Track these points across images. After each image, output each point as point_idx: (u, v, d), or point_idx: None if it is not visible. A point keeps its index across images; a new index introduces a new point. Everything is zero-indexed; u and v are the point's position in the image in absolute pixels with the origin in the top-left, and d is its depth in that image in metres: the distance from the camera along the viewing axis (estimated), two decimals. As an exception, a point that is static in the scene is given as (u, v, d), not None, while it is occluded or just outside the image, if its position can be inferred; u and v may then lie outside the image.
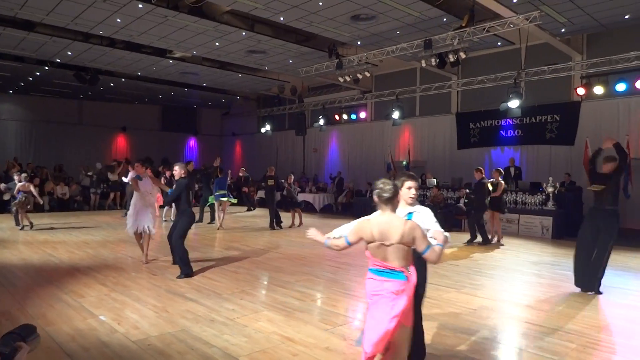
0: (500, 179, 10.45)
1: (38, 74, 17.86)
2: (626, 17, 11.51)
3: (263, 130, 21.17)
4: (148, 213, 7.34)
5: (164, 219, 13.06)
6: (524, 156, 14.97)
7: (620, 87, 12.56)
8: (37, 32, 13.01)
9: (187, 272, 6.58)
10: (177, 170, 6.82)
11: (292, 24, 12.44)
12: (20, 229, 10.95)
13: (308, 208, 17.81)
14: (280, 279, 6.59)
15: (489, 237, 10.40)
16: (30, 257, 7.79)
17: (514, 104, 12.50)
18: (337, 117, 19.65)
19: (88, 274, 6.63)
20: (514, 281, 6.78)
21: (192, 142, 26.36)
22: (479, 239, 10.33)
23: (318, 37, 13.70)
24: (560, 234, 11.29)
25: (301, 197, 18.16)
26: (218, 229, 11.90)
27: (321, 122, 18.41)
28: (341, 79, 15.04)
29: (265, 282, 6.61)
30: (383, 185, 2.86)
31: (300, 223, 13.15)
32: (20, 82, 19.52)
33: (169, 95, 22.63)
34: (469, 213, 11.49)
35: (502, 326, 4.77)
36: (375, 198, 2.89)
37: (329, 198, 18.10)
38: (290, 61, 16.06)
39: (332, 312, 5.08)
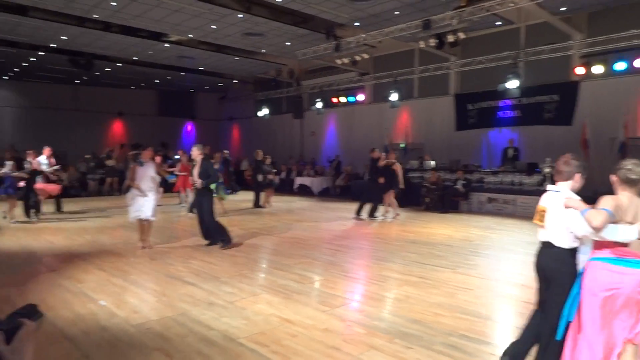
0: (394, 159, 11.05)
1: (33, 59, 17.68)
2: (627, -6, 11.37)
3: (260, 114, 21.09)
4: (150, 200, 7.32)
5: (182, 204, 12.91)
6: (522, 137, 14.94)
7: (620, 66, 12.44)
8: (30, 16, 12.84)
9: (229, 240, 7.42)
10: (196, 152, 7.45)
11: (289, 5, 12.29)
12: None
13: (306, 191, 17.86)
14: (278, 261, 6.64)
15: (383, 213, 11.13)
16: (29, 244, 7.82)
17: (512, 84, 12.42)
18: (334, 99, 19.52)
19: (87, 259, 6.67)
20: (509, 261, 6.84)
21: (189, 127, 26.25)
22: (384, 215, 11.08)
23: (316, 18, 13.54)
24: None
25: (299, 180, 18.25)
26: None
27: (319, 105, 18.33)
28: (339, 61, 14.95)
29: (264, 265, 6.66)
30: (633, 167, 2.73)
31: (265, 203, 13.51)
32: (15, 68, 19.34)
33: (165, 80, 22.46)
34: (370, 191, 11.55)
35: (498, 305, 4.84)
36: (616, 178, 2.77)
37: (327, 181, 18.13)
38: (288, 43, 15.90)
39: (331, 294, 5.13)
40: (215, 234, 7.46)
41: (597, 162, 12.30)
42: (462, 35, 11.83)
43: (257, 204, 13.39)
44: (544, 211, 3.02)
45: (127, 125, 23.71)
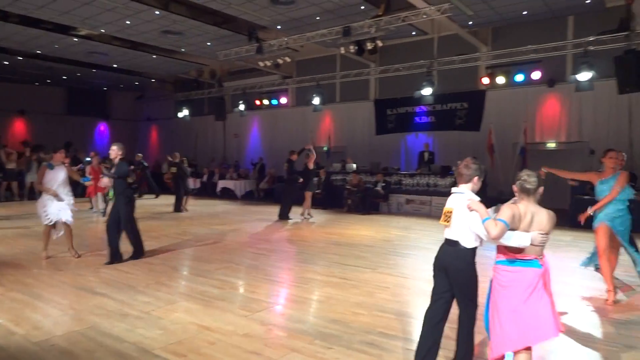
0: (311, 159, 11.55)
1: None
2: (524, 13, 12.50)
3: (181, 115, 20.37)
4: (66, 203, 6.77)
5: (94, 209, 12.20)
6: (437, 141, 15.84)
7: (519, 77, 13.68)
8: None
9: (141, 253, 6.95)
10: (115, 151, 6.81)
11: (209, 4, 12.01)
12: None
13: (229, 195, 17.53)
14: (198, 268, 6.45)
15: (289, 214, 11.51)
16: None
17: (426, 91, 13.13)
18: (257, 102, 19.40)
19: (-19, 272, 6.00)
20: (426, 259, 7.19)
21: (102, 127, 24.67)
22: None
23: (238, 19, 13.37)
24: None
25: (222, 183, 17.87)
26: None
27: (241, 107, 18.10)
28: (261, 64, 14.87)
29: (183, 272, 6.43)
30: (527, 177, 2.98)
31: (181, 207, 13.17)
32: None
33: (74, 76, 20.92)
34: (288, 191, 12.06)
35: (415, 302, 5.07)
36: (516, 188, 3.02)
37: (250, 184, 17.94)
38: (209, 44, 15.53)
39: (252, 298, 5.08)
40: (131, 240, 6.96)
41: (501, 165, 13.42)
42: (380, 43, 12.30)
43: (178, 209, 12.92)
44: (450, 212, 3.20)
45: (31, 125, 21.75)
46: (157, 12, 12.53)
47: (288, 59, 14.75)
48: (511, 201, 3.06)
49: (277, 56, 14.41)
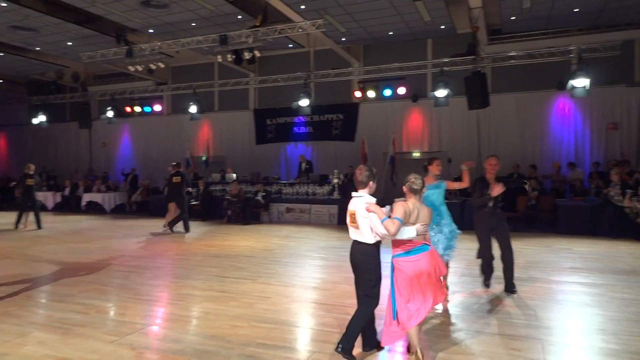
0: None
1: None
2: (390, 33, 13.60)
3: (36, 121, 18.10)
4: None
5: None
6: (315, 151, 16.39)
7: (387, 92, 14.85)
8: None
9: None
10: None
11: (70, 1, 10.94)
12: None
13: (96, 209, 16.05)
14: (57, 292, 5.75)
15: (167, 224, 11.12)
16: None
17: (304, 102, 13.53)
18: (128, 109, 18.14)
19: None
20: (305, 266, 7.36)
21: None
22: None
23: (104, 19, 12.38)
24: (344, 221, 12.63)
25: (88, 197, 16.28)
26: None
27: (110, 113, 16.72)
28: (132, 68, 13.93)
29: (39, 299, 5.68)
30: (415, 180, 3.59)
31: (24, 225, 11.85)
32: None
33: None
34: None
35: (294, 309, 5.13)
36: (406, 189, 3.62)
37: (121, 197, 16.61)
38: (70, 43, 14.14)
39: (121, 321, 4.68)
40: None
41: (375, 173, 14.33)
42: (258, 53, 12.34)
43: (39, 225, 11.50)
44: (353, 214, 3.61)
45: None
46: (3, 4, 11.05)
47: (162, 65, 14.02)
48: (401, 199, 3.62)
49: (149, 61, 13.60)
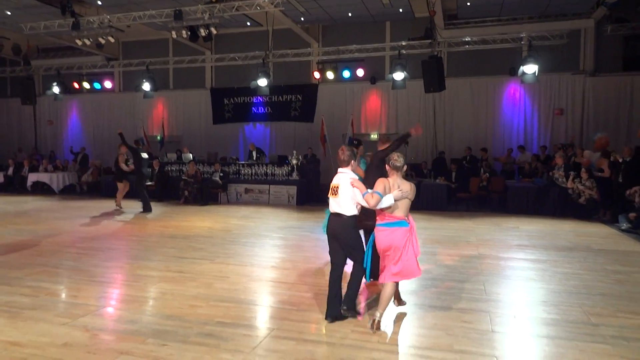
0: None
1: None
2: (349, 14, 13.55)
3: (-27, 96, 16.91)
4: None
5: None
6: (274, 132, 16.25)
7: (346, 74, 14.87)
8: None
9: None
10: None
11: (8, -34, 10.17)
12: None
13: (43, 190, 15.30)
14: (3, 275, 5.49)
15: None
16: None
17: (262, 82, 13.33)
18: (76, 85, 17.25)
19: None
20: (264, 246, 7.36)
21: None
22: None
23: (47, -12, 11.60)
24: (303, 201, 12.77)
25: (34, 177, 15.49)
26: None
27: (56, 89, 15.84)
28: (79, 42, 13.16)
29: (-18, 283, 5.40)
30: (398, 158, 3.94)
31: None
32: None
33: None
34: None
35: (254, 288, 5.14)
36: (389, 167, 3.97)
37: (70, 177, 15.88)
38: (8, 13, 13.16)
39: (74, 303, 4.54)
40: None
41: (333, 154, 14.39)
42: (214, 31, 11.98)
43: None
44: (336, 187, 3.99)
45: None
46: None
47: (112, 39, 13.33)
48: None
49: (98, 35, 12.86)
